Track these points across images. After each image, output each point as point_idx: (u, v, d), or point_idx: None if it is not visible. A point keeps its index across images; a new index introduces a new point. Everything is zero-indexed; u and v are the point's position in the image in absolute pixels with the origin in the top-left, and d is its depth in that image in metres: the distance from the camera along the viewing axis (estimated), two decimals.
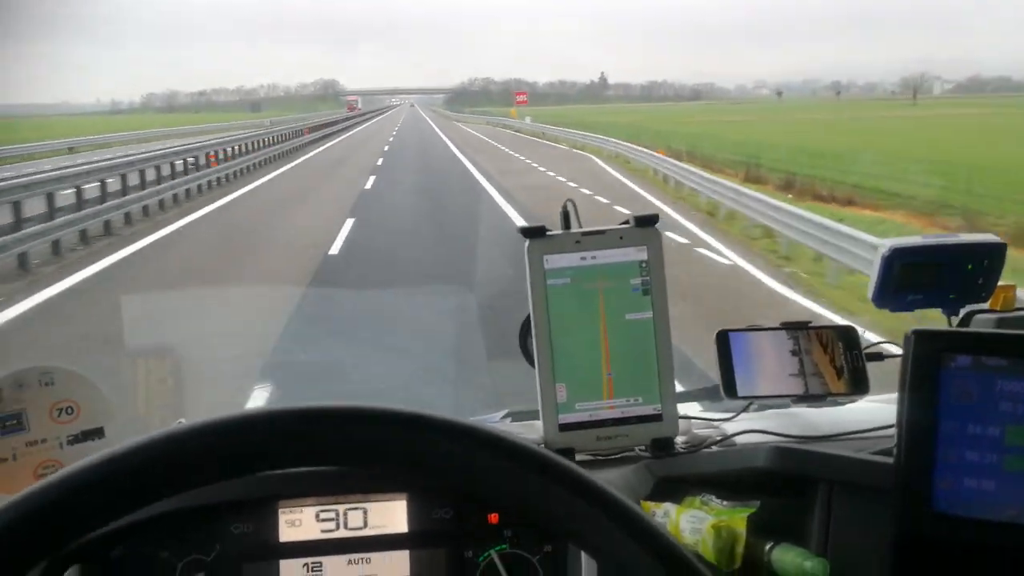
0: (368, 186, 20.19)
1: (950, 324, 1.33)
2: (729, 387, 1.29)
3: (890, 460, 1.02)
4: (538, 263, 1.23)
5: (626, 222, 1.25)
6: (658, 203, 15.94)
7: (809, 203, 14.71)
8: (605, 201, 15.48)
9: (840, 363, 1.32)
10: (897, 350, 1.24)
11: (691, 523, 1.10)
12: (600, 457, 1.27)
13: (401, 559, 1.17)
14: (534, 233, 1.24)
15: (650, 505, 1.16)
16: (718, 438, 1.30)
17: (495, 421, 1.53)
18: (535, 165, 25.19)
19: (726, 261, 10.75)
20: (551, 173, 22.26)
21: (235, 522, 1.14)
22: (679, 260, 10.24)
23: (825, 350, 1.32)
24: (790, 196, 15.89)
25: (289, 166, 26.74)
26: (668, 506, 1.14)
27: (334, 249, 11.35)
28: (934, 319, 1.31)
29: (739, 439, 1.30)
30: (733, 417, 1.38)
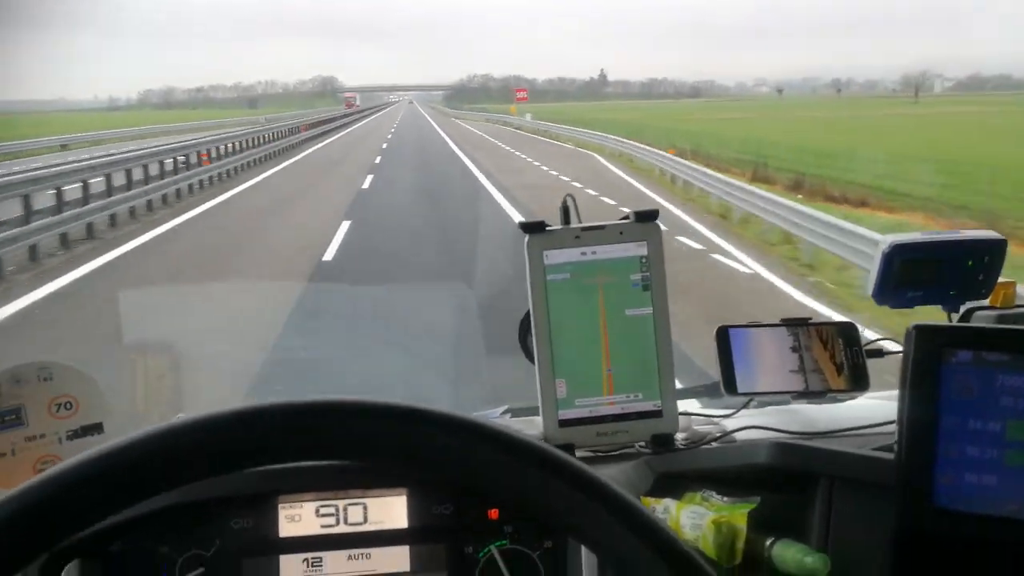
0: (365, 185, 19.42)
1: (950, 321, 1.33)
2: (729, 383, 1.29)
3: (891, 456, 1.03)
4: (538, 258, 1.23)
5: (626, 217, 1.25)
6: (668, 205, 15.11)
7: (820, 204, 14.09)
8: (611, 202, 14.66)
9: (840, 359, 1.32)
10: (897, 347, 1.23)
11: (691, 519, 1.10)
12: (600, 453, 1.27)
13: (401, 554, 1.16)
14: (533, 228, 1.23)
15: (650, 501, 1.15)
16: (718, 434, 1.30)
17: (495, 417, 1.51)
18: (536, 163, 24.62)
19: (745, 269, 10.03)
20: (553, 172, 21.62)
21: (235, 517, 1.14)
22: (695, 268, 9.64)
23: (825, 346, 1.32)
24: (800, 196, 15.29)
25: (284, 164, 25.81)
26: (668, 502, 1.14)
27: (328, 254, 10.68)
28: (937, 319, 1.30)
29: (739, 435, 1.30)
30: (733, 413, 1.38)
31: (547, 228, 1.24)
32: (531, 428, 1.27)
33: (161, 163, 18.28)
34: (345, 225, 12.88)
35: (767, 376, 1.31)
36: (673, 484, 1.19)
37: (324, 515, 1.16)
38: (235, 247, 11.94)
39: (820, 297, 8.56)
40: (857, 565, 1.07)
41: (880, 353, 1.37)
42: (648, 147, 24.36)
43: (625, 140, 28.35)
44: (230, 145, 24.99)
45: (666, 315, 1.24)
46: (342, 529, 1.16)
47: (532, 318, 1.24)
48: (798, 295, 8.73)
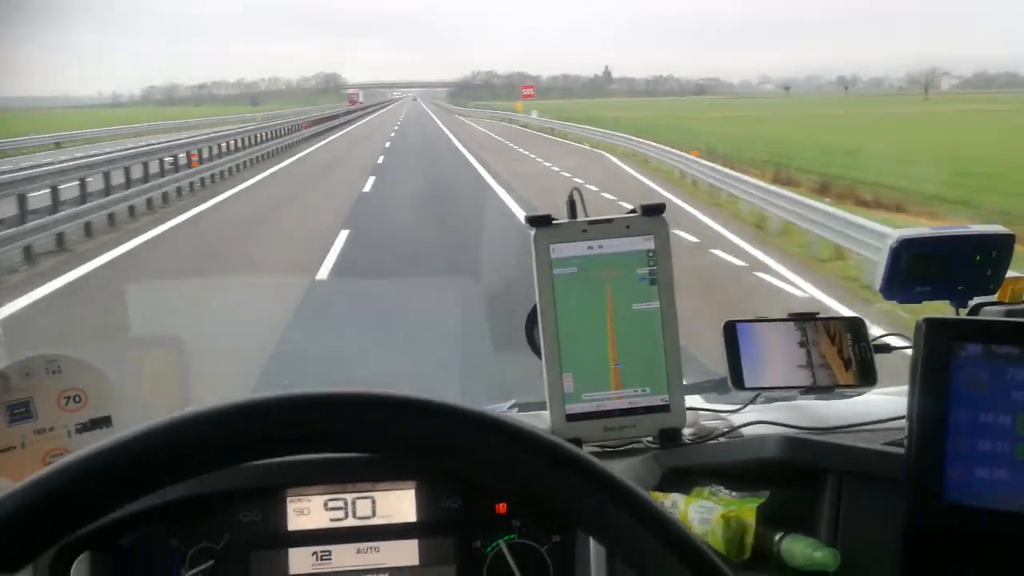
0: (367, 188, 17.88)
1: (958, 316, 1.32)
2: (736, 378, 1.29)
3: (901, 451, 1.03)
4: (544, 252, 1.23)
5: (633, 211, 1.25)
6: (695, 212, 13.82)
7: (852, 208, 12.85)
8: (628, 207, 13.23)
9: (848, 354, 1.32)
10: (905, 342, 1.35)
11: (700, 513, 1.10)
12: (607, 448, 1.27)
13: (409, 548, 1.17)
14: (540, 222, 1.23)
15: (658, 495, 1.15)
16: (725, 429, 1.30)
17: (502, 411, 1.48)
18: (548, 165, 22.70)
19: (799, 292, 8.51)
20: (566, 174, 19.98)
21: (244, 510, 1.15)
22: (742, 290, 8.48)
23: (833, 341, 1.32)
24: (828, 200, 14.07)
25: (282, 164, 24.17)
26: (676, 496, 1.15)
27: (322, 273, 9.28)
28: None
29: (746, 430, 1.30)
30: (740, 409, 1.37)
31: (554, 222, 1.23)
32: (538, 422, 1.23)
33: (145, 165, 16.73)
34: (343, 236, 11.50)
35: (774, 371, 1.30)
36: (681, 479, 1.19)
37: (332, 508, 1.16)
38: (221, 260, 10.62)
39: (905, 330, 7.00)
40: (867, 560, 1.06)
41: (888, 348, 1.38)
42: (663, 146, 22.87)
43: (637, 139, 27.13)
44: (224, 145, 23.43)
45: (673, 309, 1.24)
46: (351, 522, 1.16)
47: (539, 312, 1.23)
48: (874, 328, 7.19)
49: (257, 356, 5.83)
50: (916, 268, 1.30)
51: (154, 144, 20.81)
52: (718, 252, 10.41)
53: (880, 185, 17.54)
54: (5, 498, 0.54)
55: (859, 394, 1.43)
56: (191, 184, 17.69)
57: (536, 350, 1.28)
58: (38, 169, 13.38)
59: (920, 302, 1.32)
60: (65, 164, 14.21)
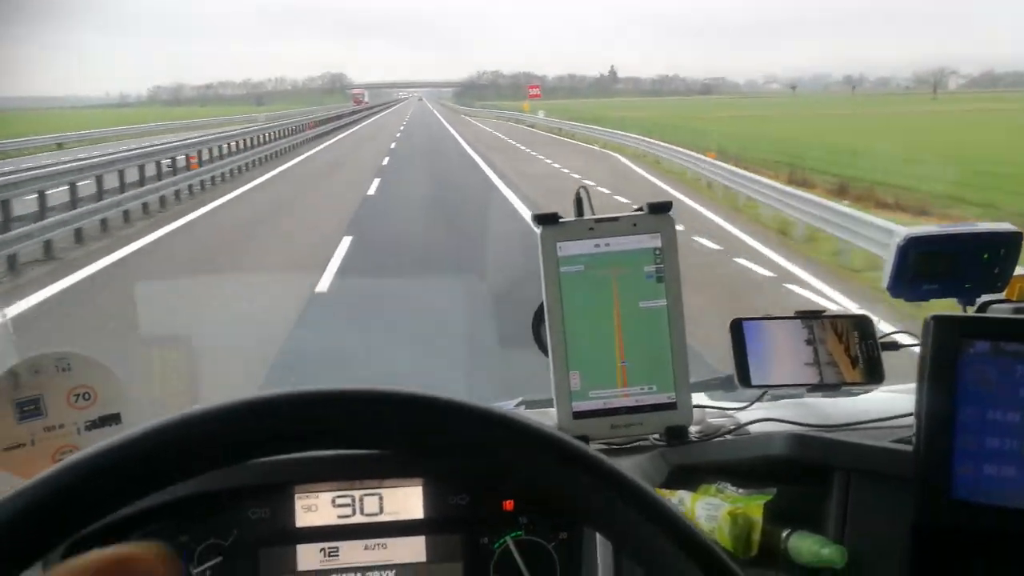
0: (371, 191, 17.20)
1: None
2: (743, 376, 1.29)
3: (908, 448, 1.03)
4: (551, 250, 1.22)
5: (640, 209, 1.25)
6: (714, 217, 13.20)
7: (874, 211, 12.27)
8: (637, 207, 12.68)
9: (855, 352, 1.31)
10: (912, 340, 1.33)
11: (707, 510, 1.10)
12: (614, 446, 1.27)
13: (417, 544, 1.17)
14: (547, 220, 1.23)
15: (665, 493, 1.14)
16: (732, 427, 1.29)
17: (509, 408, 1.40)
18: (557, 166, 22.13)
19: (833, 306, 7.57)
20: (576, 175, 19.41)
21: (252, 507, 1.15)
22: (771, 303, 7.68)
23: (840, 339, 1.31)
24: (846, 202, 13.45)
25: (284, 167, 23.40)
26: (683, 494, 1.14)
27: (323, 284, 8.56)
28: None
29: (753, 428, 1.29)
30: (747, 406, 1.36)
31: (560, 220, 1.23)
32: (545, 420, 1.20)
33: (141, 168, 16.09)
34: (345, 243, 10.86)
35: (781, 369, 1.30)
36: (688, 476, 1.18)
37: (340, 505, 1.16)
38: (219, 270, 10.00)
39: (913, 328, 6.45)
40: (874, 557, 1.06)
41: (895, 346, 1.37)
42: (674, 147, 22.29)
43: (647, 139, 26.21)
44: (225, 146, 22.93)
45: (680, 307, 1.24)
46: (358, 519, 1.17)
47: (546, 310, 1.23)
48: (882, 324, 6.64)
49: (259, 367, 5.55)
50: (924, 266, 1.28)
51: (153, 145, 20.36)
52: (743, 261, 9.79)
53: (898, 187, 16.94)
54: (15, 495, 0.54)
55: (866, 392, 1.40)
56: (190, 187, 17.09)
57: (543, 348, 1.27)
58: (25, 174, 12.71)
59: (927, 300, 1.30)
60: (55, 168, 13.61)
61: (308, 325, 7.08)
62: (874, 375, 1.32)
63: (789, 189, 13.05)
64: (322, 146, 32.88)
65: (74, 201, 12.89)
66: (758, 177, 14.68)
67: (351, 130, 47.12)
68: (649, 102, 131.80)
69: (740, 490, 1.13)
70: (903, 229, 1.33)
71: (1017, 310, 1.27)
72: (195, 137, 24.34)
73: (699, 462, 1.21)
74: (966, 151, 24.57)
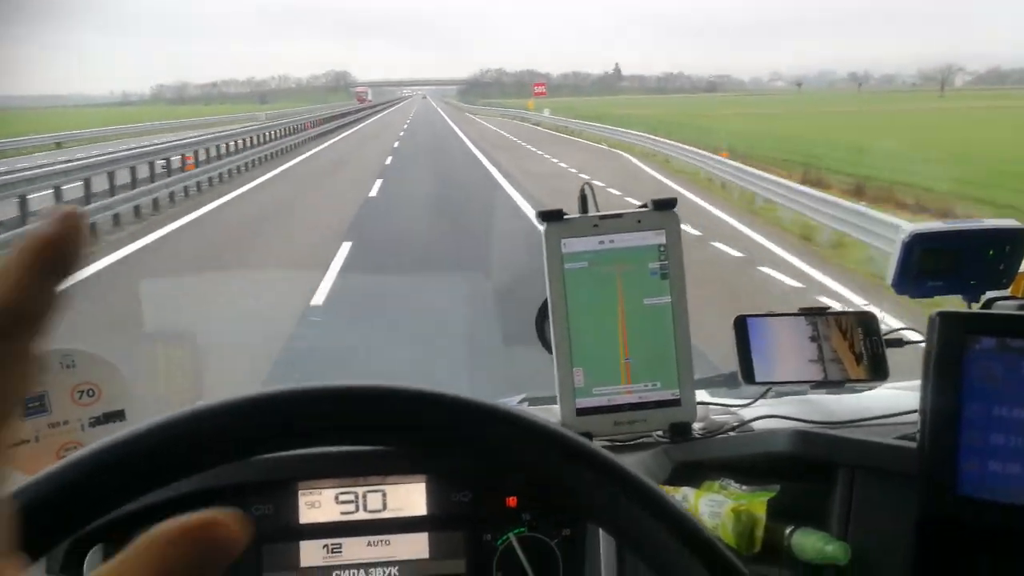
0: (373, 193, 16.41)
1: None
2: (747, 372, 1.28)
3: (913, 445, 1.03)
4: (555, 247, 1.22)
5: (644, 205, 1.25)
6: (731, 220, 12.46)
7: (896, 213, 11.80)
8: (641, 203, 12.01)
9: (859, 349, 1.31)
10: (917, 336, 1.35)
11: (710, 507, 1.10)
12: (618, 443, 1.26)
13: (420, 541, 1.17)
14: (551, 217, 1.23)
15: (668, 490, 1.15)
16: (736, 424, 1.29)
17: (513, 405, 1.41)
18: (564, 165, 21.35)
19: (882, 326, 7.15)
20: (583, 175, 18.98)
21: (255, 503, 1.15)
22: None
23: (844, 336, 1.31)
24: (863, 203, 12.84)
25: (284, 167, 22.40)
26: (687, 490, 1.14)
27: (318, 296, 7.79)
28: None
29: (757, 425, 1.29)
30: (751, 403, 1.37)
31: (565, 217, 1.23)
32: (548, 416, 1.15)
33: (133, 170, 15.17)
34: (344, 249, 10.13)
35: (785, 366, 1.30)
36: (691, 473, 1.18)
37: (343, 502, 1.16)
38: (211, 279, 9.14)
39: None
40: (878, 554, 1.06)
41: (900, 343, 1.37)
42: (683, 145, 21.55)
43: (655, 138, 25.39)
44: (224, 146, 21.98)
45: (684, 304, 1.24)
46: (361, 516, 1.17)
47: (550, 307, 1.23)
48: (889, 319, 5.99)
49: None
50: (928, 263, 1.28)
51: (150, 146, 19.45)
52: (768, 270, 9.13)
53: (918, 187, 16.29)
54: (19, 491, 0.54)
55: (870, 389, 1.42)
56: (185, 188, 16.32)
57: (546, 345, 1.27)
58: (8, 176, 11.97)
59: (932, 296, 1.30)
60: (41, 170, 12.92)
61: (301, 341, 6.48)
62: (878, 372, 1.31)
63: (809, 190, 12.33)
64: (324, 145, 31.78)
65: (88, 197, 12.43)
66: (774, 177, 13.99)
67: (354, 128, 46.42)
68: (654, 100, 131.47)
69: (744, 487, 1.12)
70: (909, 225, 1.32)
71: (1022, 307, 1.24)
72: (193, 137, 23.38)
73: (703, 459, 1.21)
74: (981, 149, 23.91)
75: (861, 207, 10.56)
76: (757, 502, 1.08)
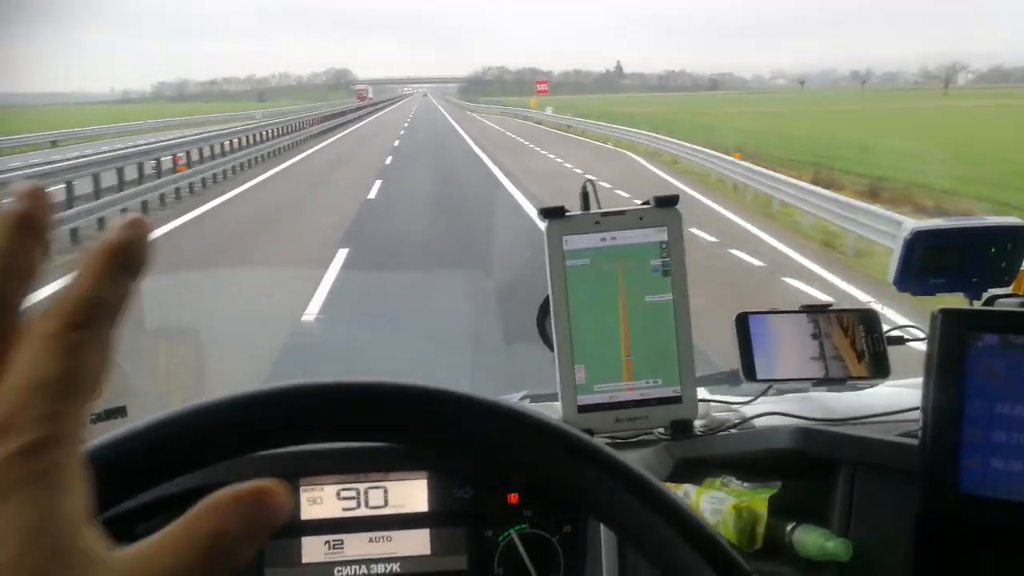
0: (372, 195, 15.54)
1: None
2: (748, 370, 1.29)
3: (914, 442, 1.03)
4: (557, 244, 1.22)
5: (647, 202, 1.25)
6: (750, 227, 11.69)
7: (914, 215, 11.11)
8: (694, 230, 11.48)
9: (861, 346, 1.31)
10: (918, 334, 1.34)
11: (712, 504, 1.10)
12: (619, 440, 1.26)
13: (421, 537, 1.17)
14: (553, 214, 1.23)
15: (670, 486, 1.12)
16: (737, 421, 1.29)
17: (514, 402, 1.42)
18: (569, 165, 20.44)
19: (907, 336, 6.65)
20: (591, 176, 18.27)
21: None
22: None
23: (846, 333, 1.31)
24: (882, 206, 12.18)
25: (280, 168, 21.51)
26: (688, 487, 1.14)
27: (309, 312, 7.01)
28: None
29: (758, 422, 1.29)
30: (752, 400, 1.37)
31: (567, 214, 1.24)
32: (550, 414, 1.00)
33: (120, 171, 14.45)
34: (340, 257, 9.36)
35: (787, 363, 1.30)
36: (692, 470, 1.18)
37: (345, 498, 1.16)
38: (195, 290, 8.63)
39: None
40: (879, 551, 1.06)
41: (901, 340, 1.37)
42: (691, 145, 20.83)
43: (662, 137, 24.66)
44: (218, 146, 21.30)
45: (686, 301, 1.24)
46: (363, 512, 1.17)
47: (551, 304, 1.23)
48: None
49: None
50: (930, 260, 1.27)
51: (136, 147, 18.78)
52: (793, 281, 8.51)
53: (936, 189, 15.66)
54: None
55: (871, 386, 1.42)
56: (177, 190, 15.59)
57: (548, 342, 1.27)
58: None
59: (934, 294, 1.29)
60: (21, 171, 12.40)
61: (290, 358, 5.86)
62: (880, 369, 1.31)
63: (828, 193, 11.67)
64: (322, 144, 30.76)
65: (70, 201, 11.80)
66: (790, 179, 13.31)
67: (354, 127, 45.68)
68: (656, 98, 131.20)
69: (745, 484, 1.12)
70: (911, 222, 1.32)
71: None
72: (184, 136, 22.72)
73: (704, 456, 1.21)
74: (995, 150, 23.28)
75: (885, 211, 9.99)
76: (758, 499, 1.08)
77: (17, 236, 0.35)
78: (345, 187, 17.27)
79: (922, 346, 1.06)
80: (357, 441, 0.61)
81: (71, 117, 52.76)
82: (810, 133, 30.37)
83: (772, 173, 14.24)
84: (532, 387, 1.57)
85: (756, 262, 9.38)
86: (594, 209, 1.28)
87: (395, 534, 1.17)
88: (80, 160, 14.21)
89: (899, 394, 1.36)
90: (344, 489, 1.16)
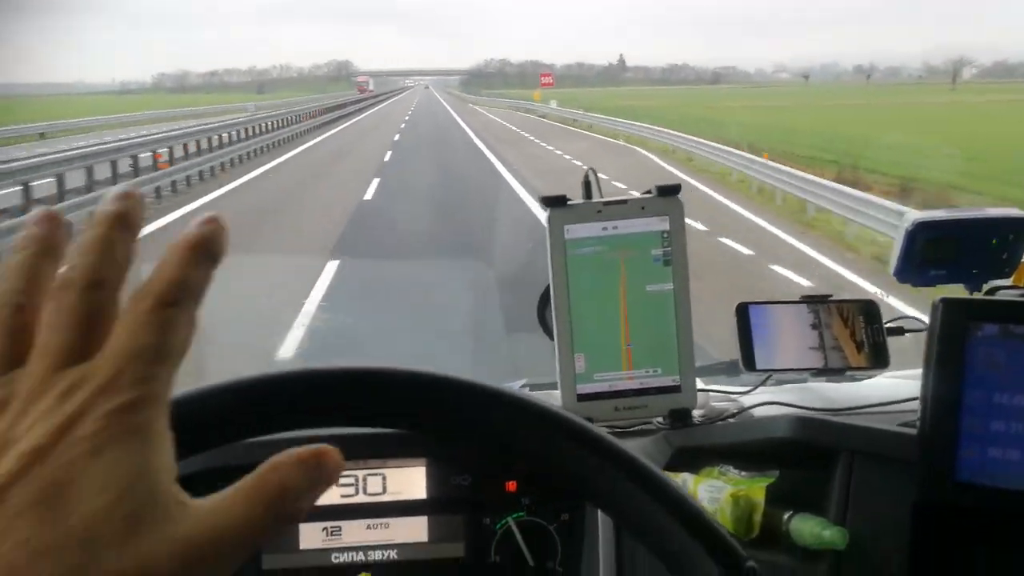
0: (368, 195, 14.41)
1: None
2: (748, 360, 1.29)
3: (912, 431, 1.04)
4: (559, 233, 1.22)
5: (648, 192, 1.25)
6: (784, 235, 10.63)
7: None
8: (702, 228, 10.22)
9: (860, 337, 1.32)
10: (918, 324, 1.36)
11: (709, 492, 1.10)
12: (618, 428, 1.27)
13: (419, 524, 1.18)
14: (555, 202, 1.23)
15: (668, 475, 1.04)
16: (736, 410, 1.30)
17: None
18: (578, 163, 19.34)
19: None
20: (602, 176, 17.09)
21: None
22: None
23: (845, 324, 1.32)
24: (916, 209, 11.03)
25: (272, 164, 20.30)
26: (686, 476, 1.15)
27: (289, 345, 6.03)
28: None
29: (757, 411, 1.30)
30: (751, 390, 1.37)
31: (569, 202, 1.24)
32: (550, 402, 1.09)
33: (89, 170, 13.24)
34: (329, 271, 8.19)
35: (786, 353, 1.30)
36: (691, 459, 1.19)
37: (343, 485, 1.16)
38: None
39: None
40: (876, 540, 1.07)
41: (901, 331, 1.38)
42: (706, 141, 19.64)
43: (670, 132, 23.60)
44: (206, 141, 19.87)
45: (686, 291, 1.24)
46: (361, 499, 1.17)
47: (552, 292, 1.23)
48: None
49: None
50: (931, 251, 1.27)
51: (114, 142, 17.37)
52: None
53: (969, 190, 14.58)
54: None
55: (870, 377, 1.42)
56: (157, 189, 14.30)
57: (548, 331, 1.27)
58: None
59: (934, 285, 1.29)
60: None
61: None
62: (879, 360, 1.32)
63: (870, 197, 10.47)
64: (318, 139, 29.53)
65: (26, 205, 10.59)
66: (824, 181, 12.15)
67: (353, 120, 44.57)
68: (658, 91, 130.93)
69: (743, 473, 1.12)
70: (913, 213, 1.32)
71: None
72: (174, 130, 21.28)
73: (702, 445, 1.21)
74: (1014, 144, 22.25)
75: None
76: (756, 488, 1.08)
77: (116, 230, 0.41)
78: (340, 186, 16.13)
79: (921, 338, 1.06)
80: (359, 427, 0.60)
81: (68, 108, 52.31)
82: (820, 128, 29.45)
83: (801, 174, 13.11)
84: (531, 376, 1.56)
85: (803, 281, 8.21)
86: (596, 198, 1.28)
87: (393, 521, 1.17)
88: (42, 159, 12.73)
89: (898, 385, 1.35)
90: (342, 476, 1.02)
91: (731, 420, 1.28)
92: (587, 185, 1.30)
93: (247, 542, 0.40)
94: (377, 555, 1.17)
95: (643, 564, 1.10)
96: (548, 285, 1.24)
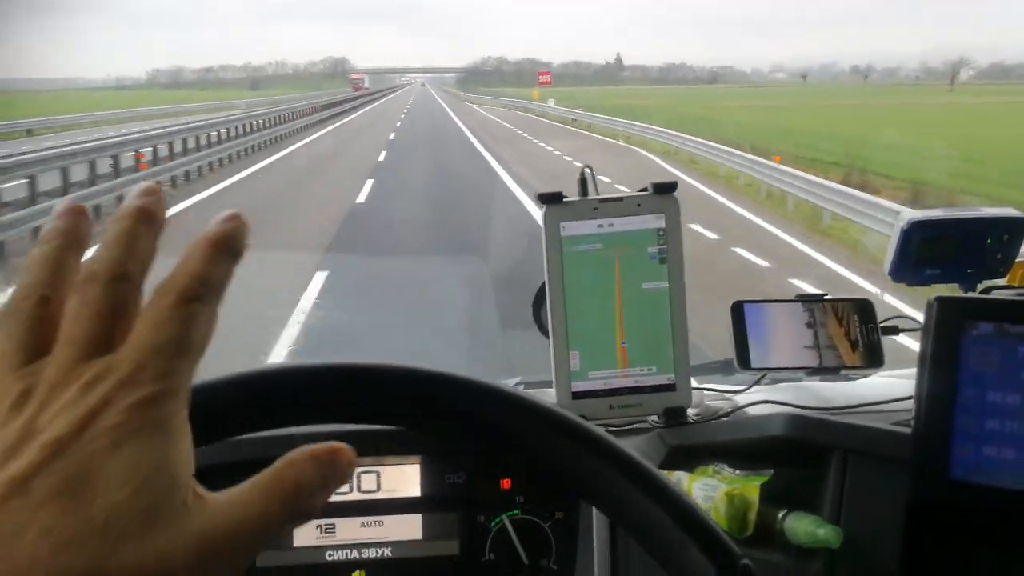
0: (361, 199, 13.85)
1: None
2: (743, 358, 1.29)
3: (907, 430, 1.04)
4: (554, 230, 1.22)
5: (644, 189, 1.25)
6: (801, 244, 10.26)
7: None
8: (714, 237, 9.97)
9: (855, 336, 1.32)
10: (913, 323, 1.34)
11: (704, 491, 1.10)
12: (613, 427, 1.27)
13: (413, 522, 1.18)
14: (551, 199, 1.23)
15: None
16: (730, 409, 1.30)
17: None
18: (578, 164, 19.44)
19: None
20: (604, 179, 16.87)
21: None
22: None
23: (840, 323, 1.32)
24: None
25: (263, 164, 19.66)
26: (680, 474, 1.15)
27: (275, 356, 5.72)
28: None
29: (752, 410, 1.30)
30: (746, 389, 1.38)
31: (564, 200, 1.24)
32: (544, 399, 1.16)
33: (65, 171, 12.76)
34: (317, 282, 7.82)
35: (781, 352, 1.30)
36: (685, 457, 1.19)
37: None
38: None
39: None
40: (870, 538, 1.07)
41: (896, 330, 1.37)
42: (710, 143, 19.30)
43: (670, 132, 23.23)
44: (193, 139, 19.26)
45: (682, 289, 1.24)
46: (355, 496, 1.17)
47: (547, 290, 1.23)
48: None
49: None
50: (926, 251, 1.28)
51: (90, 142, 16.44)
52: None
53: (980, 195, 14.51)
54: None
55: (865, 376, 1.43)
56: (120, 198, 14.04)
57: (542, 328, 1.27)
58: None
59: (929, 284, 1.30)
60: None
61: None
62: (874, 359, 1.32)
63: (886, 203, 10.16)
64: (311, 138, 28.88)
65: None
66: (836, 186, 11.85)
67: (348, 118, 44.11)
68: (656, 90, 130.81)
69: (737, 471, 1.12)
70: (908, 212, 1.32)
71: (1019, 295, 1.22)
72: (158, 128, 20.47)
73: (697, 443, 1.21)
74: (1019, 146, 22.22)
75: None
76: (750, 486, 1.08)
77: (139, 225, 0.42)
78: (332, 188, 15.73)
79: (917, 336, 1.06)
80: (354, 423, 0.60)
81: (61, 104, 52.02)
82: (820, 129, 29.05)
83: (813, 178, 12.83)
84: (526, 374, 1.57)
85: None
86: (592, 196, 1.27)
87: (387, 519, 1.17)
88: (21, 158, 12.45)
89: (892, 384, 1.36)
90: None
91: (726, 419, 1.28)
92: (583, 182, 1.29)
93: (262, 537, 0.41)
94: (371, 553, 1.17)
95: (637, 562, 1.10)
96: (543, 282, 1.24)
